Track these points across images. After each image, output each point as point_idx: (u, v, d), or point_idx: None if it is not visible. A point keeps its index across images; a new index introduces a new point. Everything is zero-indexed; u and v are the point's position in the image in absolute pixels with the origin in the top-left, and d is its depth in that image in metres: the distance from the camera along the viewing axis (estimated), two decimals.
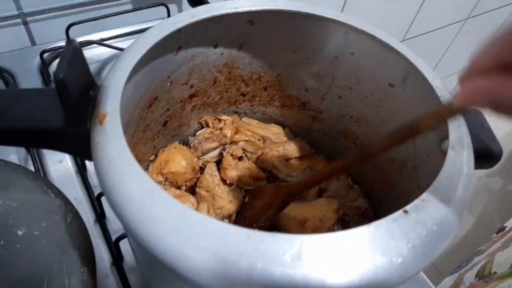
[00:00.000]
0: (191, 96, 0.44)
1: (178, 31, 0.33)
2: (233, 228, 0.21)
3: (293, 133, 0.52)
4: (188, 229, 0.21)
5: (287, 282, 0.20)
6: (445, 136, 0.30)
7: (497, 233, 0.88)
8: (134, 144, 0.38)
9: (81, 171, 0.51)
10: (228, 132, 0.48)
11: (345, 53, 0.40)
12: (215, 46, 0.40)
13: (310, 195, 0.47)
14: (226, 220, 0.45)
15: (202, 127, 0.49)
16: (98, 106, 0.27)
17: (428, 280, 0.49)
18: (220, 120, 0.48)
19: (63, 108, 0.26)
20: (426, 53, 1.38)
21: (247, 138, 0.47)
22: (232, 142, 0.47)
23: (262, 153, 0.47)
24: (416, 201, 0.24)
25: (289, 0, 0.36)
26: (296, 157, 0.48)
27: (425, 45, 1.32)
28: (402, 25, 1.17)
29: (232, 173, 0.44)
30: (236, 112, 0.50)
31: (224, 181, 0.45)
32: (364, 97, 0.42)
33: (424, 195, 0.24)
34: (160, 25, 0.33)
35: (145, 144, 0.41)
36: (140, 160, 0.42)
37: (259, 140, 0.48)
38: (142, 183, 0.23)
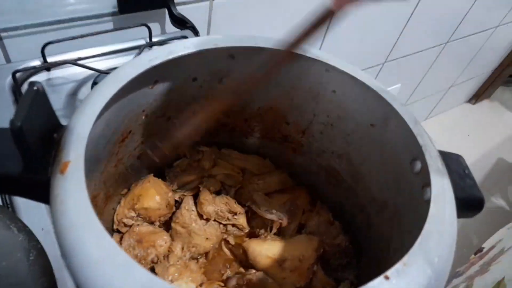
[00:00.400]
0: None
1: (154, 67, 0.32)
2: None
3: (274, 165, 0.50)
4: None
5: None
6: (427, 184, 0.29)
7: (475, 254, 0.89)
8: (105, 180, 0.36)
9: None
10: (207, 164, 0.46)
11: (326, 90, 0.39)
12: (194, 80, 0.38)
13: (290, 230, 0.46)
14: (202, 258, 0.43)
15: (180, 158, 0.48)
16: (61, 152, 0.25)
17: None
18: (198, 151, 0.47)
19: (21, 154, 0.24)
20: (408, 74, 1.41)
21: (226, 172, 0.45)
22: (210, 176, 0.46)
23: (242, 186, 0.46)
24: (397, 265, 0.22)
25: (269, 38, 0.35)
26: (276, 190, 0.47)
27: (407, 66, 1.35)
28: (385, 47, 1.19)
29: (209, 208, 0.43)
30: (215, 143, 0.49)
31: (201, 216, 0.43)
32: (346, 134, 0.41)
33: (406, 258, 0.23)
34: (135, 62, 0.31)
35: (118, 178, 0.39)
36: (111, 195, 0.40)
37: (238, 173, 0.46)
38: (103, 246, 0.21)
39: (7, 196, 0.48)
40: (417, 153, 0.32)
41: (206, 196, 0.43)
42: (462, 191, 0.31)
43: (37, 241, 0.31)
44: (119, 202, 0.42)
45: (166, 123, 0.41)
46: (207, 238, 0.43)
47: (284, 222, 0.45)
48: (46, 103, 0.25)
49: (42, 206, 0.48)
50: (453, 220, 0.26)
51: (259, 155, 0.50)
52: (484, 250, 0.86)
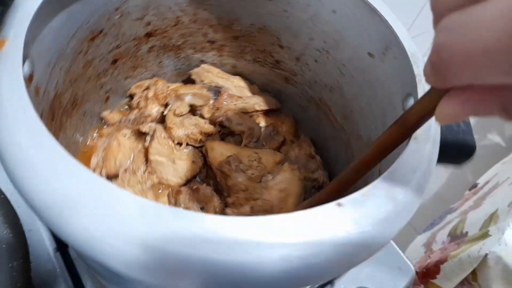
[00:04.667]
0: (148, 35, 0.39)
1: None
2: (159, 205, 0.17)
3: (261, 90, 0.47)
4: (97, 204, 0.17)
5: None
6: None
7: (470, 189, 0.87)
8: (71, 80, 0.34)
9: None
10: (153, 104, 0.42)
11: (325, 8, 0.35)
12: None
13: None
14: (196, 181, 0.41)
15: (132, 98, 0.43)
16: (1, 29, 0.22)
17: (395, 245, 0.45)
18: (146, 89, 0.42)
19: None
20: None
21: (192, 91, 0.42)
22: (177, 97, 0.42)
23: (217, 108, 0.42)
24: (355, 194, 0.20)
25: None
26: (258, 111, 0.44)
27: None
28: None
29: (179, 132, 0.39)
30: (202, 61, 0.45)
31: (179, 144, 0.41)
32: (341, 64, 0.37)
33: (366, 189, 0.20)
34: None
35: (88, 81, 0.36)
36: (82, 101, 0.37)
37: (207, 90, 0.43)
38: (33, 132, 0.19)
39: None
40: (412, 88, 0.28)
41: (173, 120, 0.40)
42: (453, 134, 0.28)
43: (0, 191, 0.30)
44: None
45: (144, 28, 0.37)
46: (193, 161, 0.40)
47: (256, 132, 0.42)
48: None
49: None
50: (432, 159, 0.23)
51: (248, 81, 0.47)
52: (479, 185, 0.84)
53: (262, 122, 0.43)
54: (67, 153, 0.18)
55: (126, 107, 0.44)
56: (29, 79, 0.26)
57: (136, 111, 0.41)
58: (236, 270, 0.17)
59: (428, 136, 0.24)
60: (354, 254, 0.18)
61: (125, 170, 0.36)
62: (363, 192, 0.20)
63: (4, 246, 0.26)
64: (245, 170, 0.37)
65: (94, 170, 0.37)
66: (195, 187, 0.38)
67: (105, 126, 0.41)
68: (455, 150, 0.28)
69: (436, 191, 1.31)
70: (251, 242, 0.17)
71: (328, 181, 0.41)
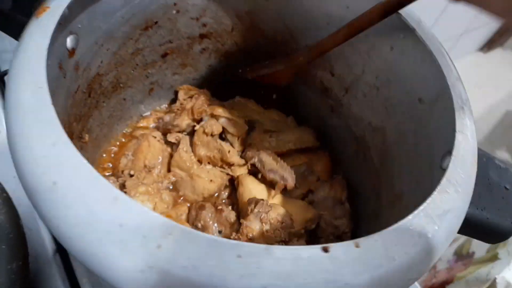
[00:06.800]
0: (202, 36, 0.39)
1: None
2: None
3: (306, 122, 0.45)
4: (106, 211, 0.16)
5: None
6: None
7: None
8: (117, 64, 0.35)
9: None
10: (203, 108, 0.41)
11: (384, 44, 0.33)
12: None
13: (294, 195, 0.41)
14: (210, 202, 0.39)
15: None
16: None
17: None
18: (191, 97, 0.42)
19: None
20: None
21: (229, 116, 0.40)
22: (213, 116, 0.40)
23: (250, 144, 0.40)
24: (347, 243, 0.18)
25: None
26: (293, 150, 0.42)
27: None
28: None
29: (201, 151, 0.38)
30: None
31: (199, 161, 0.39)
32: (389, 104, 0.34)
33: (360, 240, 0.18)
34: None
35: (135, 68, 0.37)
36: (124, 86, 0.38)
37: (244, 122, 0.41)
38: (41, 115, 0.19)
39: None
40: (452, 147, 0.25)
41: (200, 137, 0.39)
42: (488, 211, 0.24)
43: (3, 189, 0.29)
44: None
45: (200, 28, 0.38)
46: (211, 180, 0.38)
47: (290, 184, 0.38)
48: None
49: None
50: (444, 233, 0.20)
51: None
52: None
53: (295, 158, 0.41)
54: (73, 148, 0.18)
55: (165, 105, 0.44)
56: (70, 53, 0.27)
57: (172, 115, 0.41)
58: None
59: (446, 215, 0.20)
60: None
61: (143, 167, 0.36)
62: (356, 242, 0.17)
63: (3, 247, 0.25)
64: (263, 222, 0.33)
65: (123, 171, 0.37)
66: (219, 207, 0.36)
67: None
68: (480, 229, 0.24)
69: None
70: None
71: (349, 234, 0.38)
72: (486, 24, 1.54)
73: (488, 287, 0.51)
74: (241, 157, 0.40)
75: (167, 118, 0.40)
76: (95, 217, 0.16)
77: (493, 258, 0.55)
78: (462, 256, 0.65)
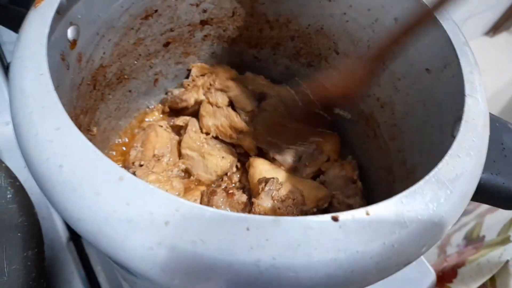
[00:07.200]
0: (203, 23, 0.39)
1: None
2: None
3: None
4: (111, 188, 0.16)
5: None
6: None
7: None
8: (120, 55, 0.35)
9: None
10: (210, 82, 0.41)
11: (387, 16, 0.32)
12: None
13: (304, 173, 0.41)
14: (223, 179, 0.39)
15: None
16: None
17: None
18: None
19: None
20: None
21: (239, 91, 0.40)
22: (220, 90, 0.41)
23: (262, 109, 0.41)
24: (359, 210, 0.17)
25: None
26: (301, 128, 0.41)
27: None
28: None
29: (209, 122, 0.39)
30: (256, 58, 0.44)
31: (207, 134, 0.40)
32: (396, 78, 0.34)
33: (370, 208, 0.17)
34: None
35: (138, 59, 0.38)
36: (130, 75, 0.38)
37: (252, 98, 0.41)
38: (38, 85, 0.19)
39: None
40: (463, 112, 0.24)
41: (206, 108, 0.39)
42: (503, 176, 0.23)
43: (16, 178, 0.29)
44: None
45: (200, 15, 0.38)
46: (223, 157, 0.39)
47: (285, 165, 0.39)
48: None
49: None
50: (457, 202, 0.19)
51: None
52: None
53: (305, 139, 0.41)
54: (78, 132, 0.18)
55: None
56: (72, 44, 0.27)
57: (181, 89, 0.41)
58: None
59: (460, 178, 0.20)
60: None
61: (152, 157, 0.37)
62: (366, 210, 0.17)
63: (19, 234, 0.25)
64: (274, 199, 0.33)
65: (133, 163, 0.37)
66: (230, 191, 0.36)
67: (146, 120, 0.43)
68: (491, 192, 0.24)
69: None
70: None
71: None
72: (492, 7, 1.50)
73: (500, 269, 0.52)
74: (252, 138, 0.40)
75: (176, 91, 0.41)
76: (102, 198, 0.16)
77: (505, 241, 0.56)
78: (473, 240, 0.65)
